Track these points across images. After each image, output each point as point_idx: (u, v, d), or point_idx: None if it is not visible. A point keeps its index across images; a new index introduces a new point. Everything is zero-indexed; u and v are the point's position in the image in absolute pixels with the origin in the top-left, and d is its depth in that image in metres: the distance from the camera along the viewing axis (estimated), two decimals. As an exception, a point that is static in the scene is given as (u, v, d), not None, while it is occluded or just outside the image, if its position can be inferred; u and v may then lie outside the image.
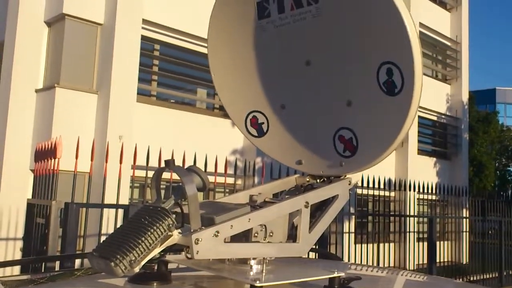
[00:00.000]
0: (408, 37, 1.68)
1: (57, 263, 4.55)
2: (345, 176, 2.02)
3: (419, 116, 18.68)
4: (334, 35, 1.88)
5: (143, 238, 1.44)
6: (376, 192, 9.39)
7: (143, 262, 1.45)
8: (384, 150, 1.91)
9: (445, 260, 12.16)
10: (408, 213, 13.46)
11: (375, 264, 8.96)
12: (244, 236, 1.65)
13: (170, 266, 1.72)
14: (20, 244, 7.95)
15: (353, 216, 9.40)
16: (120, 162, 5.77)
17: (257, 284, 1.47)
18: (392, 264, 11.64)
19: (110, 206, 5.78)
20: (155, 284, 1.59)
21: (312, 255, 3.39)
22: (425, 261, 9.74)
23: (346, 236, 9.16)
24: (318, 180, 2.09)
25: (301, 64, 1.99)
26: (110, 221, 6.00)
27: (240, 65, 2.14)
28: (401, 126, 1.82)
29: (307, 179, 2.10)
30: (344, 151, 1.97)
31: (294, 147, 2.18)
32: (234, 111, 2.27)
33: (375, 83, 1.81)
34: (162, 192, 1.68)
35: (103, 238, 5.51)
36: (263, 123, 2.19)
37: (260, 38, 2.03)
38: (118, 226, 5.70)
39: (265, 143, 2.25)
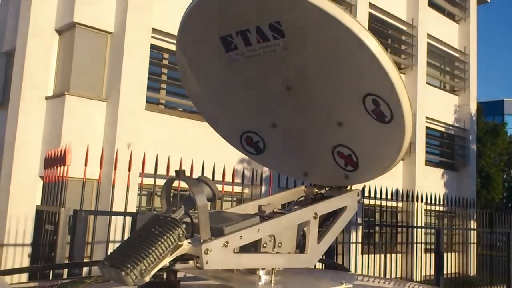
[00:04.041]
0: (385, 71, 1.61)
1: (65, 270, 4.57)
2: (351, 187, 2.04)
3: (426, 127, 18.63)
4: (309, 66, 1.80)
5: (153, 248, 1.45)
6: (384, 203, 9.37)
7: (153, 272, 1.46)
8: (385, 167, 1.93)
9: (453, 271, 12.07)
10: (415, 224, 13.40)
11: (382, 275, 8.92)
12: (253, 247, 1.66)
13: (179, 275, 1.73)
14: (28, 250, 7.99)
15: (360, 227, 9.37)
16: (129, 170, 5.80)
17: (266, 294, 1.49)
18: (399, 275, 11.57)
19: (118, 213, 5.81)
20: None
21: (319, 265, 3.39)
22: (432, 273, 9.67)
23: (353, 246, 9.13)
24: (327, 188, 2.10)
25: (282, 89, 1.91)
26: (118, 228, 6.02)
27: (219, 93, 2.10)
28: (399, 149, 1.81)
29: (315, 190, 2.12)
30: (346, 165, 1.97)
31: (296, 161, 2.18)
32: (226, 133, 2.26)
33: (363, 110, 1.76)
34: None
35: (111, 245, 5.54)
36: (258, 141, 2.19)
37: (232, 68, 1.92)
38: (125, 233, 5.73)
39: (266, 159, 2.26)
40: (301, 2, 1.56)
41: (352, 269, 8.66)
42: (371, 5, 17.01)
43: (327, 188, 2.10)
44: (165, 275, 1.66)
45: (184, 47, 2.03)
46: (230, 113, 2.17)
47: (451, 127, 20.56)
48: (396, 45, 18.63)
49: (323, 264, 3.41)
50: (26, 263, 8.84)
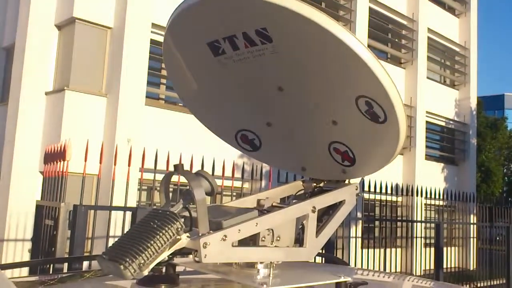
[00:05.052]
0: (375, 76, 1.60)
1: (65, 265, 4.58)
2: (350, 180, 2.04)
3: (427, 122, 18.63)
4: (299, 69, 1.79)
5: (152, 242, 1.46)
6: (383, 197, 9.37)
7: (152, 265, 1.47)
8: (382, 164, 1.93)
9: (452, 266, 12.10)
10: (415, 219, 13.42)
11: (381, 269, 8.94)
12: (251, 240, 1.67)
13: (178, 269, 1.74)
14: (28, 245, 8.00)
15: (360, 221, 9.39)
16: (129, 165, 5.80)
17: (264, 288, 1.49)
18: (399, 270, 11.60)
19: (118, 208, 5.82)
20: (163, 286, 1.61)
21: (318, 259, 3.40)
22: (432, 267, 9.70)
23: (353, 240, 9.15)
24: (325, 181, 2.11)
25: (273, 89, 1.90)
26: (118, 223, 6.03)
27: (210, 94, 2.09)
28: (395, 148, 1.82)
29: (314, 184, 2.12)
30: (343, 161, 1.98)
31: (293, 156, 2.18)
32: (221, 132, 2.26)
33: (357, 111, 1.76)
34: (170, 195, 1.71)
35: (111, 240, 5.55)
36: (254, 139, 2.19)
37: (222, 70, 1.90)
38: (125, 228, 5.75)
39: (262, 156, 2.27)
40: (284, 10, 1.55)
41: (352, 263, 8.68)
42: (372, 0, 16.98)
43: (325, 182, 2.10)
44: (164, 269, 1.67)
45: (171, 54, 2.01)
46: (223, 113, 2.17)
47: (451, 122, 20.55)
48: (397, 40, 18.59)
49: (323, 258, 3.42)
50: (26, 258, 8.86)
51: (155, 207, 2.25)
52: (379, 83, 1.61)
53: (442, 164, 19.72)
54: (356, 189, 1.96)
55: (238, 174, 7.08)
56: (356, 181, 2.04)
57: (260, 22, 1.65)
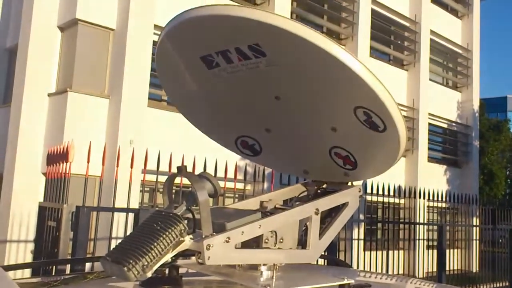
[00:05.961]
0: (372, 90, 1.60)
1: (68, 266, 4.58)
2: (352, 183, 2.04)
3: (429, 124, 18.60)
4: (294, 82, 1.79)
5: (155, 244, 1.46)
6: (386, 199, 9.35)
7: (155, 267, 1.47)
8: (383, 169, 1.94)
9: (455, 268, 12.08)
10: (418, 221, 13.38)
11: (384, 272, 8.93)
12: (254, 242, 1.67)
13: (181, 270, 1.74)
14: (31, 246, 8.01)
15: (363, 223, 9.37)
16: (131, 166, 5.80)
17: (267, 290, 1.49)
18: (401, 272, 11.59)
19: (120, 210, 5.81)
20: None
21: (321, 261, 3.40)
22: (435, 269, 9.68)
23: (355, 243, 9.13)
24: (327, 183, 2.11)
25: (270, 99, 1.90)
26: (121, 225, 6.02)
27: (207, 103, 2.10)
28: (395, 155, 1.82)
29: (316, 186, 2.12)
30: (345, 164, 1.98)
31: (294, 160, 2.19)
32: (220, 139, 2.27)
33: (356, 120, 1.76)
34: (173, 197, 1.70)
35: (113, 241, 5.54)
36: (254, 144, 2.19)
37: (217, 80, 1.90)
38: (128, 230, 5.74)
39: (264, 160, 2.27)
40: (274, 28, 1.55)
41: (354, 266, 8.67)
42: (374, 1, 16.97)
43: (328, 183, 2.10)
44: (167, 271, 1.67)
45: (165, 63, 2.01)
46: (221, 121, 2.17)
47: (453, 124, 20.52)
48: (399, 42, 18.59)
49: (325, 260, 3.42)
50: (29, 259, 8.86)
51: (158, 208, 2.25)
52: (376, 97, 1.61)
53: (444, 166, 19.69)
54: (359, 191, 1.96)
55: (240, 176, 7.07)
56: (359, 183, 2.04)
57: (252, 39, 1.66)
